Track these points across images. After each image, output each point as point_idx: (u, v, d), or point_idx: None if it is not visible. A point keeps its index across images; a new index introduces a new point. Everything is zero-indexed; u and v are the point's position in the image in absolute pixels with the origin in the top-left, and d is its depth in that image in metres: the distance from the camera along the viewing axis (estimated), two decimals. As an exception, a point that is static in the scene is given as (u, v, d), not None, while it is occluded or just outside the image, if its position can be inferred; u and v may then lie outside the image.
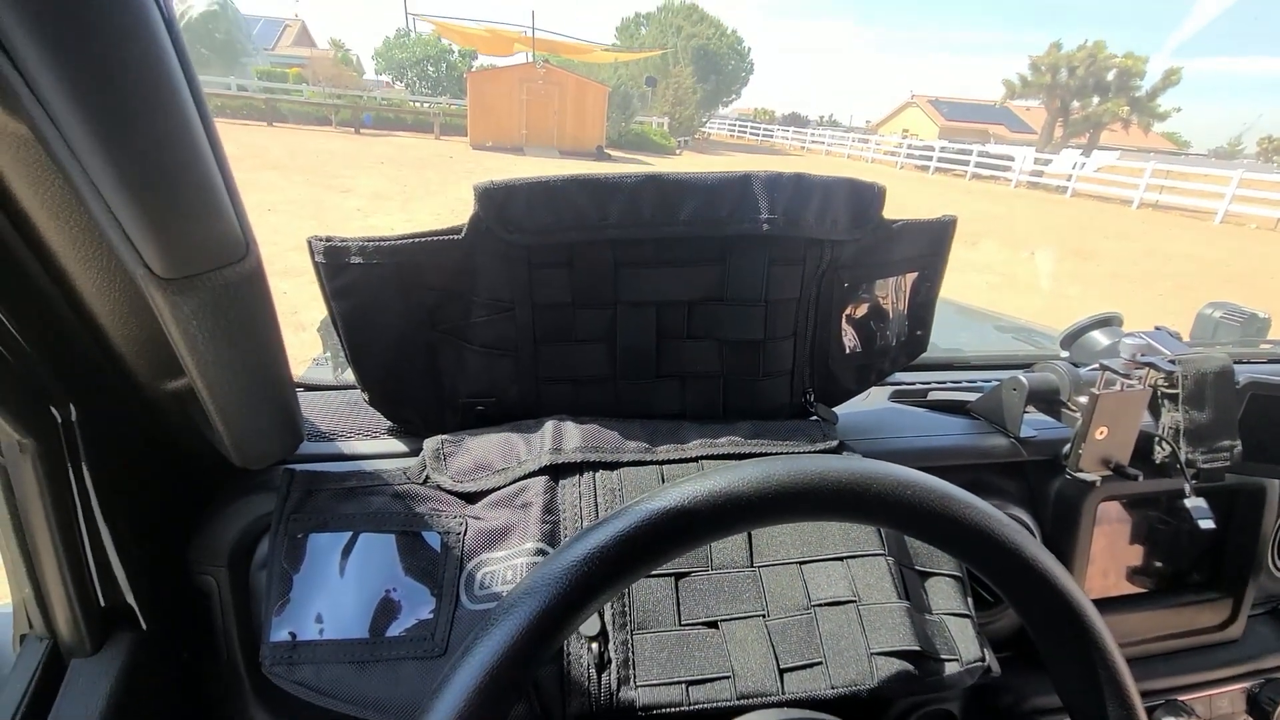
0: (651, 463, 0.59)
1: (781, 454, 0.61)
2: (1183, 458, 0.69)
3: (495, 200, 0.55)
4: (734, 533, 0.37)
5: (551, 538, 0.53)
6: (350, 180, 10.07)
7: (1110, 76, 25.52)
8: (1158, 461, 0.70)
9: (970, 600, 0.59)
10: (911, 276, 0.71)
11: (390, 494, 0.55)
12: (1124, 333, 0.96)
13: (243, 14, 25.28)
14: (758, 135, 36.09)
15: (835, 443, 0.63)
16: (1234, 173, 13.99)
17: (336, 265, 0.56)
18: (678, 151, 22.32)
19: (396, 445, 0.63)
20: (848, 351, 0.70)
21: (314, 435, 0.63)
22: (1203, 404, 0.69)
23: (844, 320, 0.69)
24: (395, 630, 0.50)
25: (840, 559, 0.56)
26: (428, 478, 0.57)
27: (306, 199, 8.37)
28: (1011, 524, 0.37)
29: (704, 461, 0.59)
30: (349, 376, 0.77)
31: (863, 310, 0.70)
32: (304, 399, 0.70)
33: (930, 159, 21.42)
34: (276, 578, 0.51)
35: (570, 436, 0.59)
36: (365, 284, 0.56)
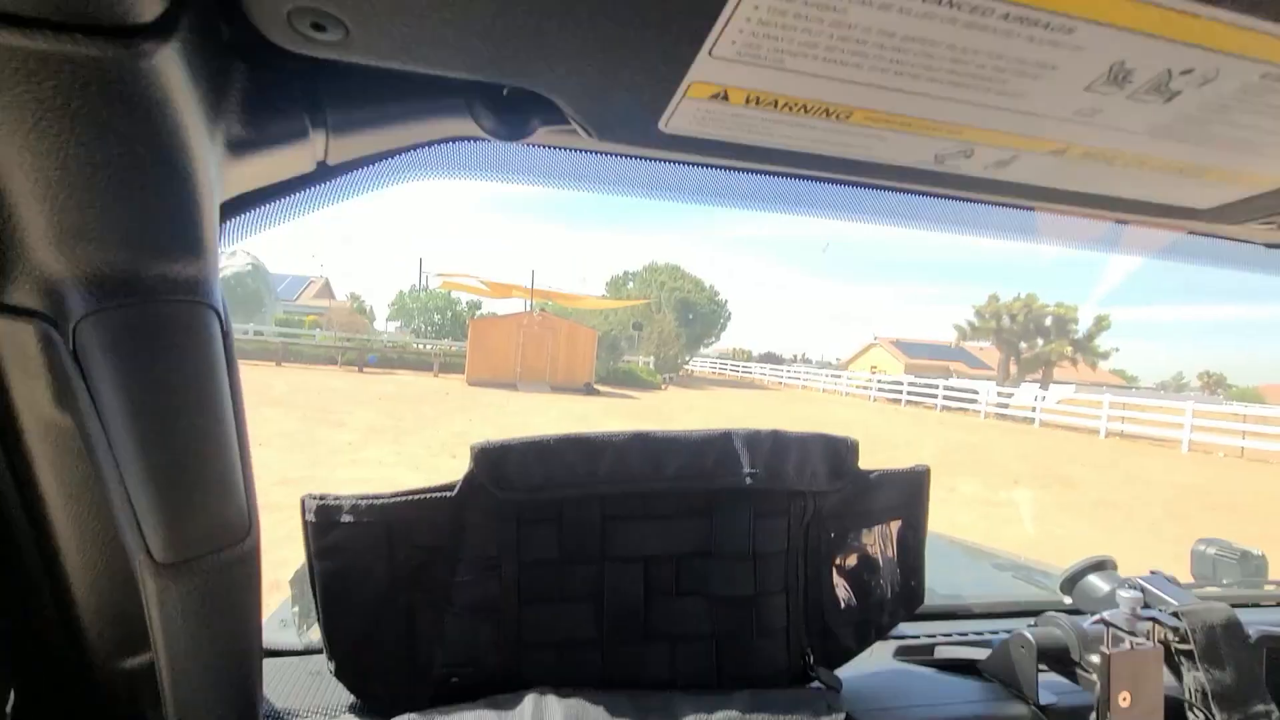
0: None
1: None
2: (1220, 727, 0.63)
3: (491, 459, 0.57)
4: None
5: None
6: (346, 415, 10.36)
7: (1048, 322, 28.53)
8: (1196, 732, 0.64)
9: None
10: (896, 524, 0.72)
11: None
12: (1120, 578, 0.95)
13: (270, 272, 28.47)
14: (737, 372, 38.70)
15: (841, 716, 0.58)
16: (1186, 404, 14.92)
17: (326, 524, 0.56)
18: (663, 387, 23.61)
19: (357, 727, 0.57)
20: (843, 606, 0.68)
21: (268, 716, 0.57)
22: (1221, 661, 0.65)
23: (836, 573, 0.68)
24: None
25: None
26: (388, 770, 0.51)
27: (299, 432, 8.51)
28: None
29: (700, 744, 0.54)
30: (314, 637, 0.72)
31: (853, 561, 0.69)
32: (264, 667, 0.64)
33: (900, 392, 22.77)
34: None
35: (551, 716, 0.54)
36: (352, 543, 0.56)
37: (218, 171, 0.32)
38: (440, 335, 28.24)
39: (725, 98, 0.32)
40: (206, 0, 0.27)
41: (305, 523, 0.56)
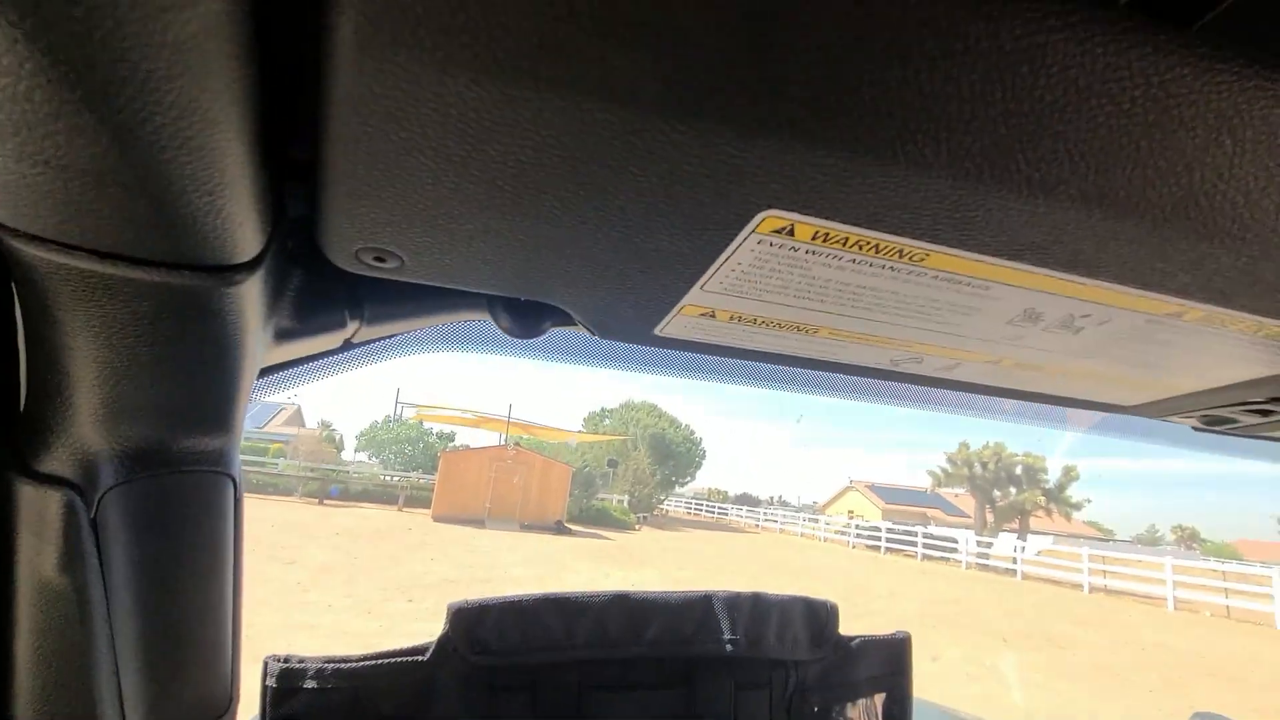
0: None
1: None
2: None
3: (468, 620, 0.56)
4: None
5: None
6: (298, 551, 9.76)
7: (1018, 471, 28.90)
8: None
9: None
10: (880, 698, 0.70)
11: None
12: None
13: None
14: (713, 513, 37.80)
15: None
16: (1165, 559, 14.80)
17: (287, 690, 0.53)
18: (637, 527, 22.85)
19: None
20: None
21: None
22: None
23: None
24: None
25: None
26: None
27: (249, 569, 7.93)
28: None
29: None
30: None
31: (839, 738, 0.66)
32: None
33: (879, 539, 22.29)
34: None
35: None
36: (313, 712, 0.53)
37: (261, 355, 0.35)
38: (410, 467, 27.50)
39: (713, 315, 0.38)
40: (293, 240, 0.31)
41: (265, 688, 0.53)
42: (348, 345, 0.44)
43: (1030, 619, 10.17)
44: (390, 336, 0.47)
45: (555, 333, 0.51)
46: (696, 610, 0.61)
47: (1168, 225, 0.26)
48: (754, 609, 0.62)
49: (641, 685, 0.59)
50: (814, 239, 0.29)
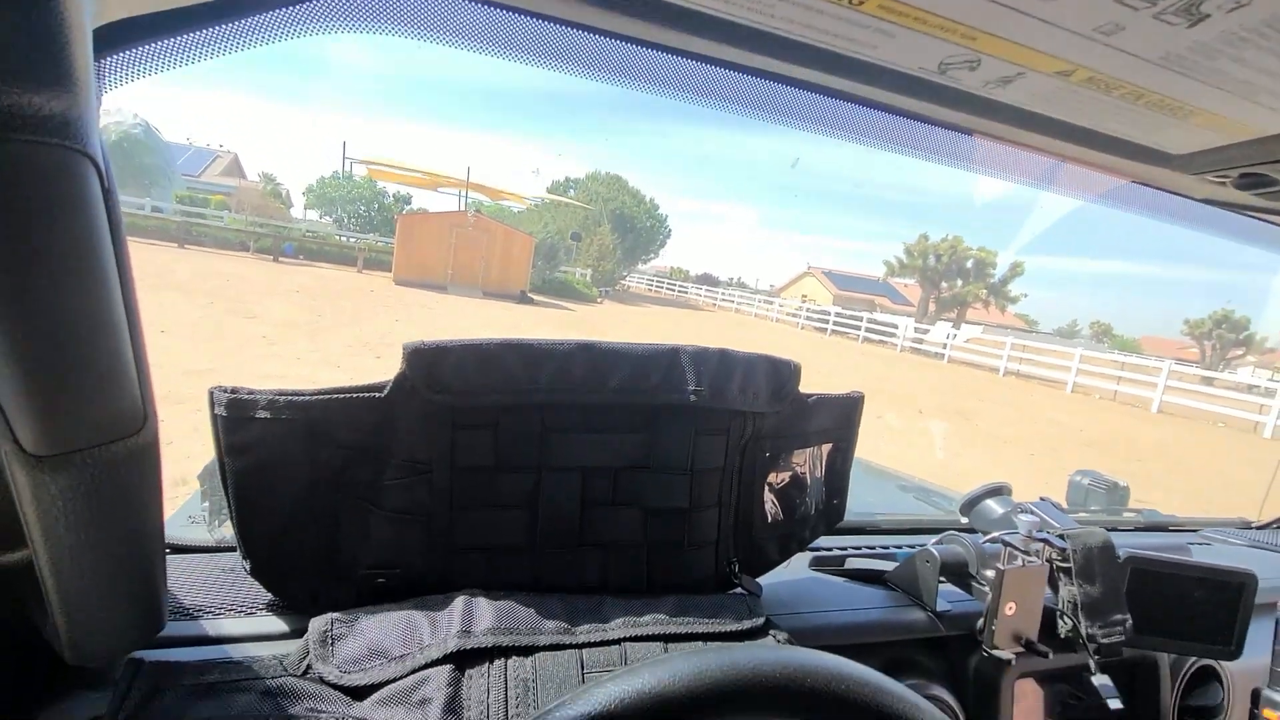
0: (570, 646, 0.54)
1: (706, 634, 0.58)
2: (1084, 632, 0.71)
3: (424, 360, 0.54)
4: None
5: None
6: (258, 306, 9.74)
7: (969, 264, 29.96)
8: (1062, 636, 0.72)
9: None
10: (827, 447, 0.74)
11: (260, 690, 0.47)
12: (1014, 502, 1.04)
13: (166, 141, 25.31)
14: (674, 291, 38.87)
15: (761, 620, 0.61)
16: (1076, 350, 16.33)
17: (238, 419, 0.51)
18: (599, 301, 23.46)
19: (277, 624, 0.55)
20: (770, 521, 0.70)
21: (176, 611, 0.54)
22: (1093, 578, 0.73)
23: (766, 490, 0.70)
24: None
25: None
26: (309, 667, 0.50)
27: (206, 321, 7.96)
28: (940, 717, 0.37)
29: (627, 644, 0.55)
30: (226, 533, 0.69)
31: (784, 479, 0.71)
32: (173, 564, 0.60)
33: (827, 322, 23.67)
34: None
35: (481, 615, 0.54)
36: (269, 440, 0.52)
37: None
38: (366, 229, 26.54)
39: None
40: None
41: (214, 417, 0.52)
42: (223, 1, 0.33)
43: (946, 395, 11.39)
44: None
45: (494, 16, 0.40)
46: (662, 361, 0.60)
47: None
48: (720, 363, 0.62)
49: (604, 429, 0.60)
50: None
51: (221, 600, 0.57)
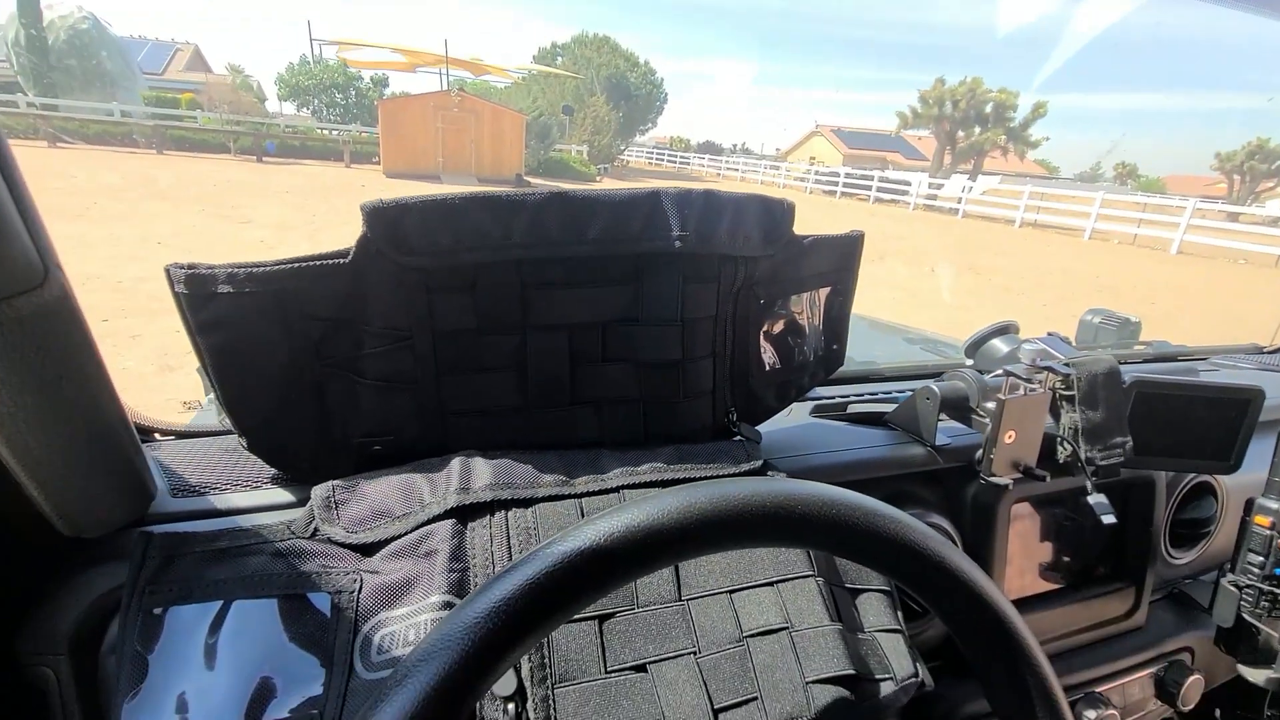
0: (569, 496, 0.55)
1: (704, 478, 0.59)
2: (1083, 456, 0.72)
3: (386, 219, 0.50)
4: (657, 569, 0.34)
5: (460, 588, 0.48)
6: (251, 210, 9.51)
7: (988, 109, 28.07)
8: (1061, 461, 0.73)
9: (900, 614, 0.58)
10: (825, 291, 0.71)
11: (270, 552, 0.49)
12: (1021, 339, 1.02)
13: (119, 36, 23.41)
14: (675, 162, 37.16)
15: (759, 463, 0.61)
16: (1096, 194, 15.67)
17: (201, 295, 0.49)
18: (598, 178, 22.57)
19: (281, 495, 0.56)
20: (767, 369, 0.69)
21: (181, 489, 0.55)
22: (1096, 404, 0.72)
23: (762, 337, 0.68)
24: (277, 712, 0.43)
25: (770, 584, 0.54)
26: (316, 530, 0.51)
27: (203, 230, 7.82)
28: (935, 536, 0.36)
29: (625, 491, 0.56)
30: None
31: (780, 326, 0.69)
32: (173, 448, 0.61)
33: (836, 184, 22.74)
34: (128, 661, 0.43)
35: (479, 474, 0.54)
36: (237, 315, 0.50)
37: None
38: (347, 118, 25.16)
39: None
40: None
41: (176, 294, 0.49)
42: None
43: (958, 251, 11.14)
44: None
45: None
46: (643, 207, 0.56)
47: None
48: (706, 206, 0.58)
49: (587, 283, 0.57)
50: None
51: (226, 477, 0.58)
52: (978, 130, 28.43)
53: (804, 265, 0.67)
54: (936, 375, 1.08)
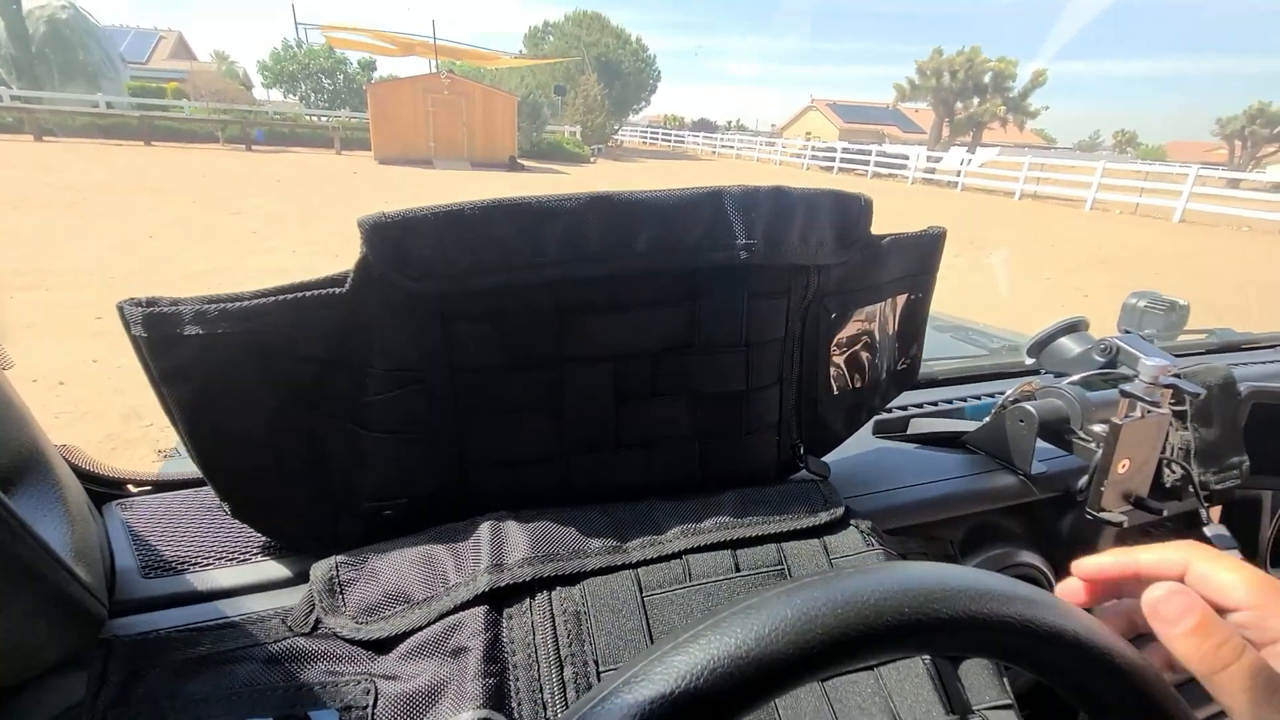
0: (623, 567, 0.45)
1: (780, 532, 0.49)
2: (1196, 479, 0.63)
3: (390, 238, 0.40)
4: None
5: (498, 698, 0.38)
6: (242, 201, 9.33)
7: (987, 79, 27.62)
8: (1168, 485, 0.64)
9: (1005, 681, 0.49)
10: (902, 298, 0.61)
11: (262, 658, 0.39)
12: (1092, 338, 0.92)
13: (101, 25, 22.80)
14: (669, 141, 36.61)
15: (840, 510, 0.52)
16: (1097, 164, 15.43)
17: (165, 339, 0.39)
18: (592, 159, 22.23)
19: (274, 570, 0.47)
20: (836, 392, 0.59)
21: (153, 566, 0.46)
22: (1210, 420, 0.63)
23: (831, 356, 0.58)
24: None
25: (870, 668, 0.45)
26: (318, 623, 0.42)
27: (194, 221, 7.66)
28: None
29: (688, 556, 0.47)
30: None
31: (852, 343, 0.59)
32: (147, 508, 0.52)
33: (833, 159, 22.39)
34: None
35: (514, 543, 0.45)
36: (210, 362, 0.40)
37: None
38: (335, 104, 24.68)
39: None
40: None
41: (134, 338, 0.39)
42: None
43: (957, 224, 10.95)
44: None
45: None
46: (703, 211, 0.46)
47: None
48: (775, 206, 0.48)
49: (636, 304, 0.47)
50: None
51: (208, 547, 0.48)
52: (976, 101, 28.02)
53: (881, 271, 0.57)
54: (996, 378, 0.99)
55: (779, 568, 0.48)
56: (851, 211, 0.52)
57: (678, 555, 0.47)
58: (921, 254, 0.60)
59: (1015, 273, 7.26)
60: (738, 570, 0.47)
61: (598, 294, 0.46)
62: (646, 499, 0.51)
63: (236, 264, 5.49)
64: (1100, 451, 0.57)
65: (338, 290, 0.41)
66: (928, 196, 15.87)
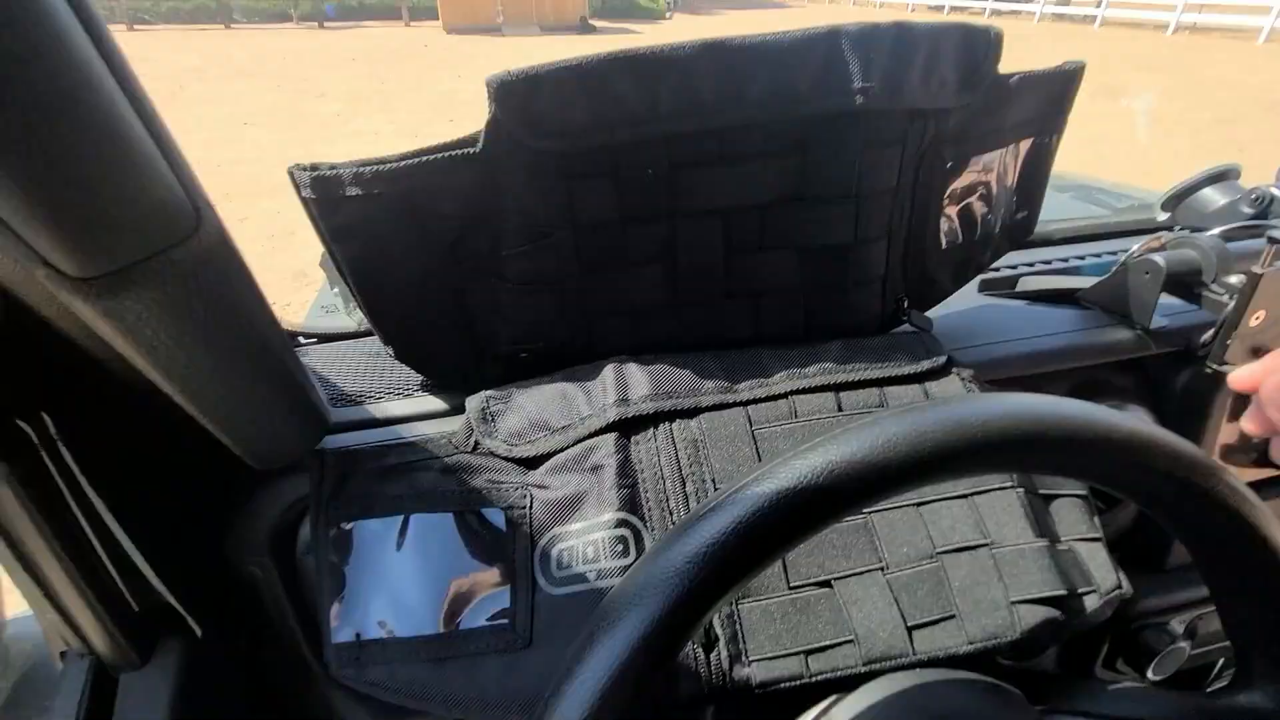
0: (734, 404, 0.50)
1: (882, 377, 0.52)
2: (1338, 337, 0.59)
3: (517, 96, 0.42)
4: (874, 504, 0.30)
5: (632, 504, 0.45)
6: (324, 82, 9.42)
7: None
8: (1302, 343, 0.60)
9: (1098, 519, 0.52)
10: (1025, 144, 0.58)
11: (439, 468, 0.48)
12: (1242, 188, 0.83)
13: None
14: (753, -13, 32.79)
15: (943, 358, 0.54)
16: (1287, -20, 12.56)
17: (331, 200, 0.44)
18: (668, 15, 20.46)
19: (434, 403, 0.55)
20: (945, 246, 0.59)
21: (337, 398, 0.55)
22: (1371, 271, 0.58)
23: (943, 207, 0.57)
24: (471, 622, 0.44)
25: (964, 496, 0.48)
26: (477, 443, 0.50)
27: (281, 107, 7.87)
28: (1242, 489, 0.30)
29: (794, 397, 0.51)
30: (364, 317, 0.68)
31: (966, 194, 0.57)
32: (318, 354, 0.61)
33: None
34: (327, 573, 0.45)
35: (637, 383, 0.50)
36: (370, 220, 0.46)
37: None
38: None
39: None
40: None
41: (304, 200, 0.45)
42: None
43: (1092, 69, 9.48)
44: None
45: None
46: (817, 54, 0.44)
47: None
48: (895, 44, 0.45)
49: (746, 157, 0.48)
50: None
51: (377, 383, 0.57)
52: (1133, -93, 22.94)
53: (1005, 115, 0.54)
54: (1118, 236, 0.92)
55: (881, 409, 0.51)
56: (979, 48, 0.49)
57: (784, 395, 0.51)
58: (1053, 94, 0.56)
59: (1157, 128, 6.32)
60: (841, 410, 0.51)
61: (709, 147, 0.47)
62: (755, 348, 0.55)
63: (327, 150, 5.66)
64: (1233, 303, 0.55)
65: (472, 150, 0.44)
66: (1058, 38, 13.63)
